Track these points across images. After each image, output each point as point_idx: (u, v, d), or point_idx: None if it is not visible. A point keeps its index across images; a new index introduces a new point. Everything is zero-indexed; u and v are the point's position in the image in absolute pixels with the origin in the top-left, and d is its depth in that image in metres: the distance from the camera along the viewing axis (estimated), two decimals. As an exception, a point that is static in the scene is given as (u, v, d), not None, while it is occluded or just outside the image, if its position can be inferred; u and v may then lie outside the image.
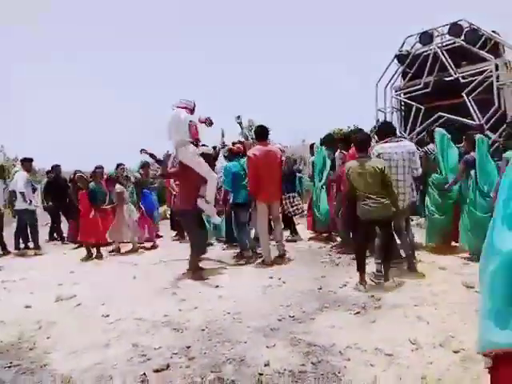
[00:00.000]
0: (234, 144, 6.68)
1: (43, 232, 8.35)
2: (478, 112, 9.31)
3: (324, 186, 6.78)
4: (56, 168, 8.72)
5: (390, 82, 11.61)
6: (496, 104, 9.10)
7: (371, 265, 4.58)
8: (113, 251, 6.97)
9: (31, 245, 7.62)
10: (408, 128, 10.94)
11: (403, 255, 4.84)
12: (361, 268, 4.28)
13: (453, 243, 5.62)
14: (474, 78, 9.50)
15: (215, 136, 6.77)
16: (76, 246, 7.59)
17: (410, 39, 11.08)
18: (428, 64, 10.42)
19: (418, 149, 5.13)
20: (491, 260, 1.46)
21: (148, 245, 7.36)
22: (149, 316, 3.74)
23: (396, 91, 11.61)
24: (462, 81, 9.72)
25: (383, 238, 4.40)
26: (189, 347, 3.06)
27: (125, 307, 4.00)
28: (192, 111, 5.24)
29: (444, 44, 10.37)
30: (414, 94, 10.93)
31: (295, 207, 6.81)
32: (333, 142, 6.76)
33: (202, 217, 5.47)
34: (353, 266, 4.78)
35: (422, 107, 10.56)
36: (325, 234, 7.02)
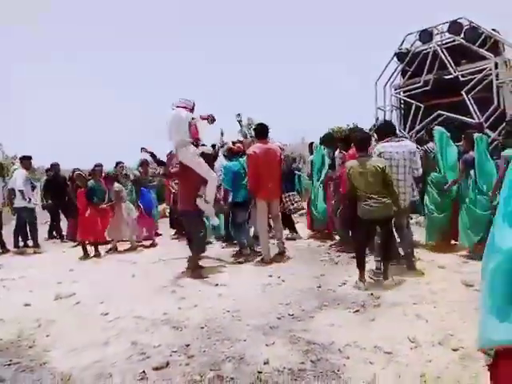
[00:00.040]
0: (234, 143, 6.68)
1: (42, 230, 8.34)
2: (477, 110, 9.32)
3: (322, 185, 6.78)
4: (55, 166, 8.71)
5: (389, 80, 11.62)
6: (495, 102, 9.11)
7: (370, 263, 4.59)
8: (110, 250, 6.97)
9: (30, 243, 7.61)
10: (407, 126, 10.96)
11: (402, 254, 4.85)
12: (360, 266, 4.29)
13: (452, 241, 5.62)
14: (473, 77, 9.50)
15: (214, 135, 6.77)
16: (75, 244, 7.58)
17: (409, 37, 11.09)
18: (427, 62, 10.43)
19: (417, 147, 5.13)
20: (492, 258, 1.47)
21: (147, 243, 7.35)
22: (148, 314, 3.74)
23: (395, 89, 11.62)
24: (462, 79, 9.72)
25: (384, 237, 4.40)
26: (188, 345, 3.06)
27: (124, 305, 4.00)
28: (191, 111, 5.24)
29: (444, 42, 10.38)
30: (413, 92, 10.94)
31: (295, 205, 6.83)
32: (332, 141, 6.75)
33: (202, 217, 5.47)
34: (352, 264, 4.79)
35: (421, 105, 10.57)
36: (326, 231, 7.02)
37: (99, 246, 6.77)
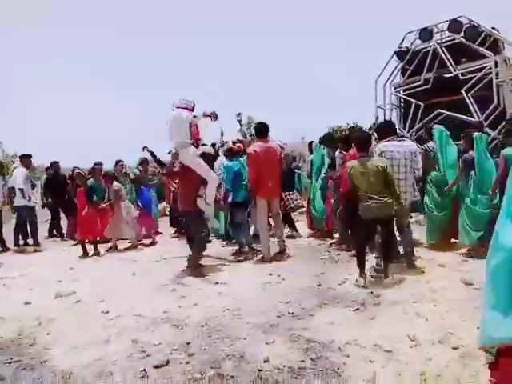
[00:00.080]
0: (234, 143, 6.68)
1: (42, 228, 8.34)
2: (477, 109, 9.31)
3: (321, 182, 6.79)
4: (55, 164, 8.72)
5: (389, 78, 11.61)
6: (495, 101, 9.10)
7: (370, 261, 4.60)
8: (110, 248, 6.97)
9: (30, 241, 7.61)
10: (407, 125, 10.95)
11: (402, 252, 4.85)
12: (360, 264, 4.31)
13: (452, 240, 5.62)
14: (473, 75, 9.49)
15: (215, 134, 6.78)
16: (75, 242, 7.58)
17: (409, 35, 11.07)
18: (427, 60, 10.41)
19: (417, 147, 5.13)
20: (495, 255, 1.47)
21: (147, 241, 7.36)
22: (148, 312, 3.75)
23: (395, 88, 11.60)
24: (462, 77, 9.71)
25: (384, 236, 4.42)
26: (188, 343, 3.07)
27: (124, 304, 4.00)
28: (192, 111, 5.24)
29: (444, 40, 10.36)
30: (413, 90, 10.93)
31: (295, 203, 6.87)
32: (332, 141, 6.76)
33: (203, 216, 5.47)
34: (352, 263, 4.80)
35: (421, 104, 10.56)
36: (326, 229, 7.02)
37: (99, 245, 6.78)
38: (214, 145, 6.56)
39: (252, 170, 5.41)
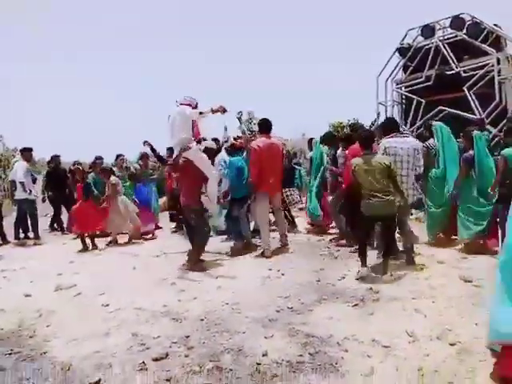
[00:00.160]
0: (235, 139, 6.68)
1: (43, 222, 8.36)
2: (478, 106, 9.29)
3: (319, 180, 6.79)
4: (55, 158, 8.71)
5: (391, 75, 11.59)
6: (497, 98, 9.09)
7: (370, 258, 4.60)
8: (110, 242, 6.98)
9: (31, 235, 7.63)
10: (409, 122, 10.93)
11: (401, 249, 4.87)
12: (362, 256, 4.37)
13: (452, 236, 5.63)
14: (475, 72, 9.47)
15: (218, 130, 6.79)
16: (75, 236, 7.59)
17: (411, 32, 11.03)
18: (429, 57, 10.38)
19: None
20: (504, 253, 1.49)
21: (147, 236, 7.37)
22: (148, 306, 3.77)
23: (397, 84, 11.58)
24: (464, 75, 9.69)
25: (385, 234, 4.45)
26: (188, 337, 3.08)
27: (124, 297, 4.02)
28: (195, 109, 5.24)
29: (446, 37, 10.32)
30: (415, 87, 10.90)
31: (296, 199, 6.88)
32: (333, 139, 6.76)
33: (204, 212, 5.47)
34: (351, 258, 4.82)
35: (422, 101, 10.54)
36: (326, 225, 7.04)
37: (99, 239, 6.78)
38: (215, 140, 6.55)
39: (254, 166, 5.42)
